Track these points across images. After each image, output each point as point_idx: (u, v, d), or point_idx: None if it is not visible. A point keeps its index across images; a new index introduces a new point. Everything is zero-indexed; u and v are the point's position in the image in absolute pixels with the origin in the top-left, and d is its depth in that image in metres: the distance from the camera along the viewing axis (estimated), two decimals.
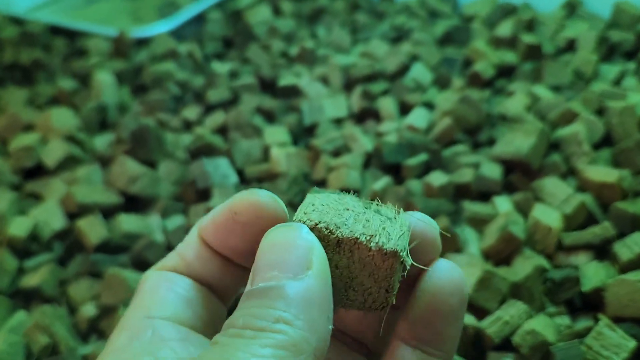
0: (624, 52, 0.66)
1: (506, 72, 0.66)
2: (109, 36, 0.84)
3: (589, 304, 0.44)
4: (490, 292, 0.41)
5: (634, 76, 0.62)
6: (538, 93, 0.60)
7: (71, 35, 0.88)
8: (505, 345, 0.40)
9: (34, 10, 1.01)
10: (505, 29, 0.69)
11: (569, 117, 0.56)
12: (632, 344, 0.39)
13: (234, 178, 0.58)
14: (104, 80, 0.73)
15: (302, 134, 0.65)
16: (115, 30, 0.83)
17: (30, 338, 0.45)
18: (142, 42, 0.83)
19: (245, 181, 0.59)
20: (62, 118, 0.67)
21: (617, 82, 0.62)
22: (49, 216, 0.54)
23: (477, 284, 0.41)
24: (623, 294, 0.41)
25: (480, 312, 0.41)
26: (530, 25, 0.71)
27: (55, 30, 0.89)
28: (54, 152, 0.62)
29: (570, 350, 0.39)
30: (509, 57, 0.67)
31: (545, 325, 0.40)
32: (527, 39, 0.66)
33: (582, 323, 0.42)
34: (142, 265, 0.49)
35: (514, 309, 0.41)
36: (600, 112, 0.56)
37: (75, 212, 0.54)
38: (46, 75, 0.80)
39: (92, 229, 0.51)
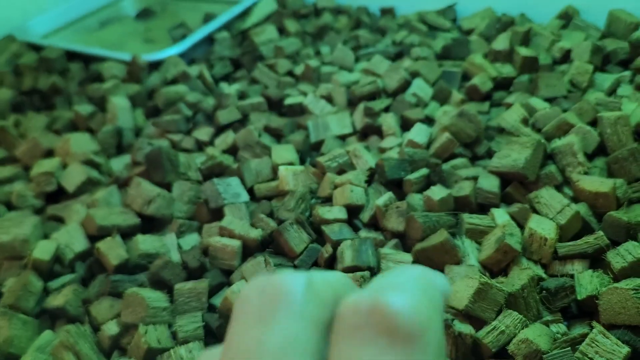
0: (619, 61, 0.68)
1: (504, 84, 0.68)
2: (123, 60, 0.87)
3: (584, 312, 0.46)
4: (487, 302, 0.43)
5: (629, 84, 0.64)
6: (534, 105, 0.61)
7: (86, 59, 0.92)
8: (502, 354, 0.42)
9: (49, 35, 1.05)
10: (502, 42, 0.71)
11: (565, 128, 0.58)
12: (625, 350, 0.40)
13: (245, 196, 0.61)
14: (119, 104, 0.76)
15: (309, 151, 0.67)
16: (128, 55, 0.86)
17: (56, 357, 0.48)
18: (154, 65, 0.86)
19: (255, 199, 0.62)
20: (81, 142, 0.70)
21: (613, 91, 0.64)
22: (70, 239, 0.57)
23: (475, 295, 0.43)
24: (616, 302, 0.43)
25: (478, 322, 0.43)
26: (527, 37, 0.73)
27: (71, 55, 0.93)
28: (73, 177, 0.65)
29: (563, 357, 0.40)
30: (506, 69, 0.69)
31: (539, 334, 0.42)
32: (524, 51, 0.68)
33: (578, 330, 0.44)
34: (159, 284, 0.51)
35: (509, 319, 0.42)
36: (595, 122, 0.58)
37: (95, 234, 0.57)
38: (63, 99, 0.84)
39: (112, 251, 0.54)
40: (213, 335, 0.48)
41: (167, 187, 0.63)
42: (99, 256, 0.55)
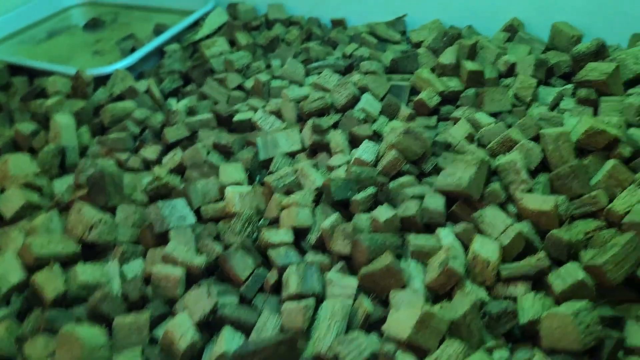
0: (562, 74, 0.68)
1: (451, 98, 0.68)
2: (68, 74, 0.84)
3: (528, 335, 0.46)
4: (430, 331, 0.43)
5: (571, 97, 0.64)
6: (480, 120, 0.62)
7: (30, 72, 0.88)
8: None
9: None
10: (449, 56, 0.71)
11: (509, 145, 0.58)
12: None
13: (191, 219, 0.59)
14: (63, 122, 0.73)
15: (258, 168, 0.66)
16: (74, 69, 0.83)
17: None
18: (101, 80, 0.83)
19: (202, 220, 0.60)
20: (20, 164, 0.67)
21: (556, 104, 0.65)
22: (6, 270, 0.54)
23: (417, 324, 0.43)
24: (555, 327, 0.43)
25: (420, 352, 0.43)
26: (473, 51, 0.73)
27: (15, 68, 0.89)
28: (11, 202, 0.62)
29: None
30: (453, 83, 0.69)
31: None
32: (470, 65, 0.68)
33: (521, 354, 0.44)
34: (98, 317, 0.50)
35: (452, 349, 0.42)
36: (539, 138, 0.58)
37: (33, 264, 0.55)
38: (4, 116, 0.80)
39: (49, 283, 0.52)
40: None
41: (112, 210, 0.61)
42: (35, 289, 0.53)
